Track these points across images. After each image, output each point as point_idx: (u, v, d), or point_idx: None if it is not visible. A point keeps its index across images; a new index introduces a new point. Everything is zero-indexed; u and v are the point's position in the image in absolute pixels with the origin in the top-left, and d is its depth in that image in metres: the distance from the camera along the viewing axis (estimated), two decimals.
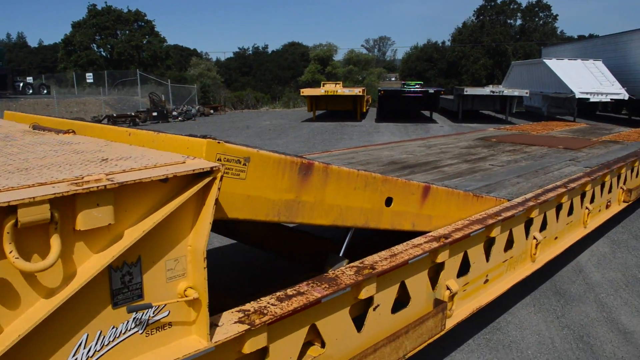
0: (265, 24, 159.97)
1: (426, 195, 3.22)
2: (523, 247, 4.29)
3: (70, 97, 36.87)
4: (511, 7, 57.20)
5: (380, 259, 2.81)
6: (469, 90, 23.57)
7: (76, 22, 56.44)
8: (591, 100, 21.27)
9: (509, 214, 3.82)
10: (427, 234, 3.24)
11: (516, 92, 22.93)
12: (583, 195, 5.37)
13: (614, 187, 6.32)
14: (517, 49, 55.86)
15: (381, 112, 26.18)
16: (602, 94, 20.93)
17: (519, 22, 58.67)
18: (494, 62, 56.19)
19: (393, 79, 76.63)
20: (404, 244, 3.05)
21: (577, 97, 20.79)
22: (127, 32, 57.00)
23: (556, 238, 4.90)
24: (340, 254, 3.01)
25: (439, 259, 3.15)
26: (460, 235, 3.28)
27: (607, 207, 6.19)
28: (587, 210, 5.46)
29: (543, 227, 4.62)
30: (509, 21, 58.84)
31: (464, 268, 3.54)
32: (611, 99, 21.42)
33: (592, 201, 5.66)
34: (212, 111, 33.47)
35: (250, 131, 21.45)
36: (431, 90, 23.62)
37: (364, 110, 26.04)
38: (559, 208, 4.85)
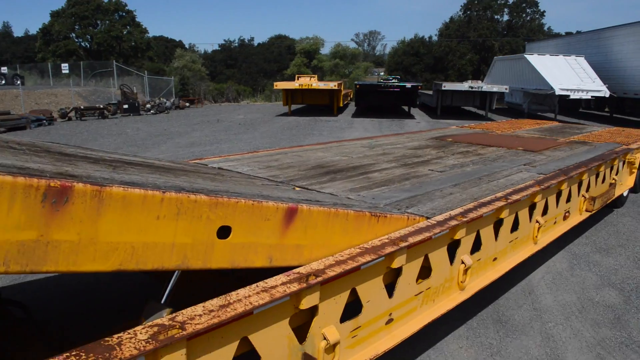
0: (253, 16, 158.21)
1: (291, 220, 2.45)
2: (447, 274, 3.53)
3: (42, 89, 35.72)
4: (498, 2, 56.62)
5: (202, 313, 2.03)
6: (447, 86, 22.84)
7: (55, 11, 55.08)
8: (571, 97, 20.63)
9: (419, 237, 3.06)
10: (292, 271, 2.46)
11: (495, 88, 22.23)
12: (532, 207, 4.64)
13: (574, 195, 5.59)
14: (503, 45, 55.31)
15: (358, 106, 25.39)
16: (582, 90, 20.29)
17: (506, 17, 58.14)
18: (481, 57, 55.64)
19: (382, 73, 75.82)
20: (251, 287, 2.28)
21: (557, 93, 20.13)
22: (107, 22, 55.71)
23: (495, 259, 4.15)
24: (162, 301, 2.23)
25: (305, 304, 2.38)
26: (339, 270, 2.51)
27: (565, 218, 5.46)
28: (537, 224, 4.72)
29: (478, 247, 3.88)
30: (496, 17, 58.29)
31: (354, 308, 2.78)
32: (592, 96, 20.79)
33: (544, 213, 4.92)
34: (187, 104, 32.50)
35: (220, 125, 20.60)
36: (408, 85, 22.85)
37: (341, 105, 25.22)
38: (498, 224, 4.10)
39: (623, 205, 8.32)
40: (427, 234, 3.15)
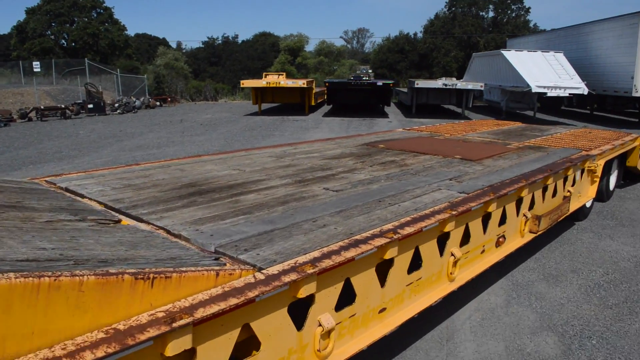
0: (238, 13, 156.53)
1: None
2: (294, 341, 2.55)
3: (10, 88, 34.44)
4: None
5: None
6: (421, 83, 21.87)
7: (30, 8, 53.65)
8: (549, 94, 19.72)
9: (222, 306, 2.08)
10: None
11: (470, 86, 21.29)
12: (445, 237, 3.66)
13: (511, 215, 4.62)
14: (488, 42, 54.54)
15: (331, 105, 24.40)
16: (560, 88, 19.38)
17: (491, 14, 57.36)
18: (466, 54, 54.73)
19: (371, 71, 74.65)
20: None
21: (533, 91, 19.21)
22: (85, 19, 54.30)
23: (384, 310, 3.17)
24: None
25: None
26: None
27: (499, 244, 4.48)
28: (452, 257, 3.73)
29: (352, 298, 2.90)
30: (481, 13, 57.51)
31: None
32: (570, 94, 19.89)
33: (465, 242, 3.94)
34: (158, 103, 31.36)
35: (181, 126, 19.52)
36: (379, 83, 21.85)
37: (313, 104, 24.19)
38: (385, 265, 3.12)
39: (586, 218, 7.38)
40: (240, 298, 2.16)
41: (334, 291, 2.74)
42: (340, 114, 23.71)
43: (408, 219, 3.33)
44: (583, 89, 19.46)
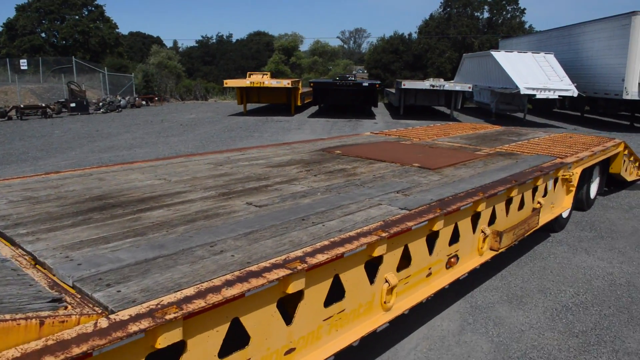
0: (233, 11, 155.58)
1: None
2: None
3: None
4: None
5: None
6: (408, 84, 21.38)
7: (20, 5, 53.03)
8: (538, 96, 19.26)
9: None
10: None
11: (458, 87, 20.81)
12: (377, 262, 3.17)
13: (466, 232, 4.14)
14: (483, 43, 54.13)
15: (318, 106, 23.89)
16: (549, 90, 18.91)
17: (486, 15, 56.95)
18: (460, 55, 54.31)
19: (365, 71, 74.14)
20: None
21: (522, 92, 18.75)
22: (76, 17, 53.68)
23: (291, 352, 2.67)
24: None
25: None
26: None
27: (450, 265, 4.00)
28: (386, 284, 3.25)
29: (244, 341, 2.41)
30: (476, 14, 57.10)
31: None
32: (559, 96, 19.42)
33: (403, 267, 3.46)
34: (144, 102, 30.82)
35: (160, 126, 19.01)
36: (365, 84, 21.35)
37: (299, 104, 23.67)
38: (294, 299, 2.64)
39: (563, 229, 6.91)
40: (59, 357, 1.67)
41: (213, 336, 2.24)
42: (327, 114, 23.22)
43: (326, 243, 2.85)
44: (573, 91, 19.01)
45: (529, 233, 5.20)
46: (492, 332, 4.15)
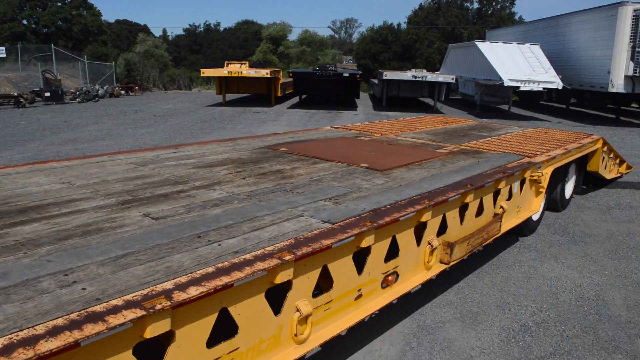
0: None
1: None
2: None
3: None
4: None
5: None
6: (390, 75, 20.80)
7: None
8: (522, 88, 18.76)
9: None
10: None
11: (441, 78, 20.25)
12: (288, 287, 2.65)
13: (408, 245, 3.62)
14: (472, 34, 53.56)
15: (299, 97, 23.26)
16: (533, 82, 18.42)
17: (476, 5, 56.39)
18: None
19: (353, 62, 73.36)
20: None
21: (505, 84, 18.25)
22: (58, 4, 52.46)
23: None
24: None
25: None
26: None
27: (387, 284, 3.48)
28: (298, 314, 2.72)
29: None
30: (466, 4, 56.51)
31: None
32: (544, 88, 18.92)
33: (326, 289, 2.94)
34: (122, 92, 30.03)
35: (131, 117, 18.33)
36: (346, 74, 20.73)
37: (280, 94, 23.02)
38: (158, 342, 2.11)
39: (533, 232, 6.44)
40: None
41: None
42: (307, 106, 22.62)
43: (210, 270, 2.31)
44: (558, 84, 18.53)
45: (488, 241, 4.71)
46: (436, 358, 3.65)
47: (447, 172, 4.63)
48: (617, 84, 17.33)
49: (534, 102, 26.69)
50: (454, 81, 20.98)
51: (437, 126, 8.00)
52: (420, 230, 3.73)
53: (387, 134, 6.81)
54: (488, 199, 4.66)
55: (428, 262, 3.89)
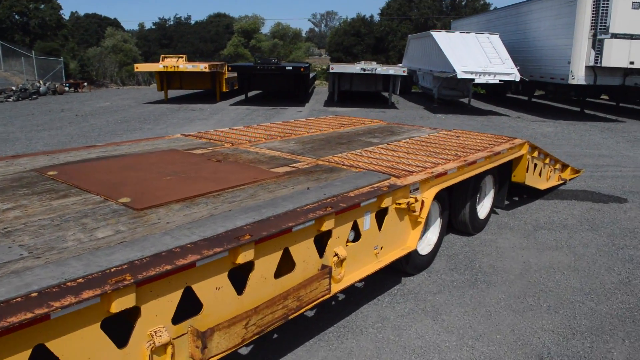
0: None
1: None
2: None
3: None
4: None
5: None
6: (337, 68, 19.29)
7: None
8: (477, 81, 17.38)
9: None
10: None
11: (391, 71, 18.77)
12: None
13: (97, 348, 2.12)
14: (446, 25, 52.23)
15: (243, 92, 21.62)
16: (489, 74, 17.04)
17: None
18: None
19: (325, 54, 71.65)
20: None
21: (459, 77, 16.85)
22: None
23: None
24: None
25: None
26: None
27: None
28: None
29: None
30: None
31: None
32: (500, 80, 17.54)
33: None
34: (66, 88, 28.20)
35: (50, 117, 16.64)
36: (289, 67, 19.18)
37: (225, 90, 21.38)
38: None
39: (425, 269, 4.99)
40: None
41: None
42: (253, 102, 21.05)
43: None
44: (515, 75, 17.17)
45: (305, 309, 3.23)
46: None
47: (238, 211, 3.13)
48: (578, 75, 16.00)
49: (502, 95, 25.40)
50: (405, 74, 19.52)
51: (328, 130, 6.52)
52: (135, 317, 2.24)
53: (243, 144, 5.31)
54: (302, 249, 3.18)
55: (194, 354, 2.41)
